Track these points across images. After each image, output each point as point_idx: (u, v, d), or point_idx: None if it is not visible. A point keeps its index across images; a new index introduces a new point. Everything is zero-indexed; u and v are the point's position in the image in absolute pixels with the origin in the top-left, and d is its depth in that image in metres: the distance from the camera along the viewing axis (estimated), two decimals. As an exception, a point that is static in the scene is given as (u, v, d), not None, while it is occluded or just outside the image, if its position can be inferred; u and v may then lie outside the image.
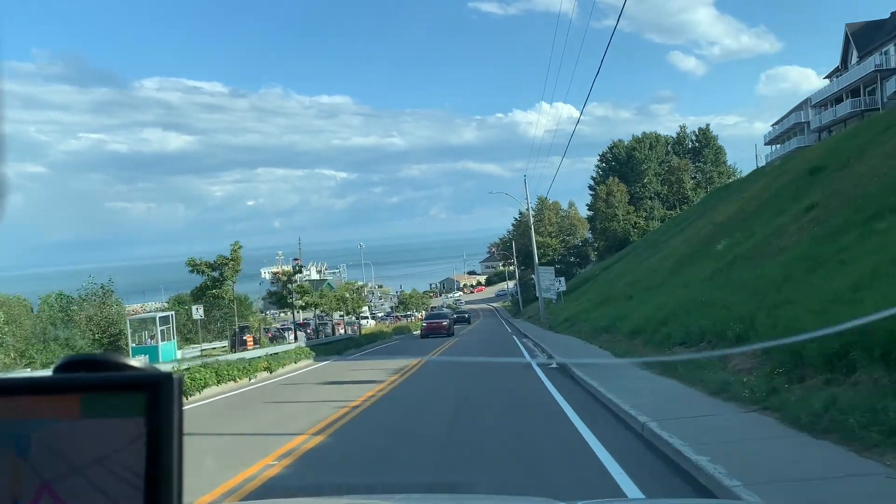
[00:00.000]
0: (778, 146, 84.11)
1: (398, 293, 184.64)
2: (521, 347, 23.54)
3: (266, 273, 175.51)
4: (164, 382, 0.70)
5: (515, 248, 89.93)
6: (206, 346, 35.48)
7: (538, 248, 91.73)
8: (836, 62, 62.81)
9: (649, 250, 46.61)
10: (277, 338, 40.22)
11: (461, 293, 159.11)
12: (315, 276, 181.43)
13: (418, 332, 44.68)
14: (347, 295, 52.52)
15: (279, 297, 40.69)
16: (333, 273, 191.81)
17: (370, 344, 35.44)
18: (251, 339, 35.12)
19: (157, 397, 0.70)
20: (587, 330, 23.72)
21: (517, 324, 54.87)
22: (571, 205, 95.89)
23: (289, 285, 39.97)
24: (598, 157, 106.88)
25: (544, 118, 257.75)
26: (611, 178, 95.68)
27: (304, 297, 41.48)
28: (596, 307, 29.41)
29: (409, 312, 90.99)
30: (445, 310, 60.68)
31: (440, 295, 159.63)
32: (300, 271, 41.95)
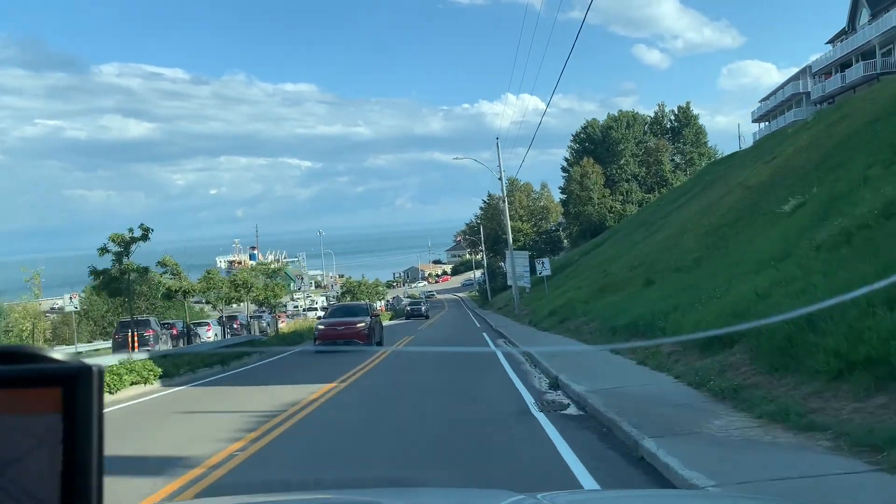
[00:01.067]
0: (765, 123, 78.10)
1: (339, 281, 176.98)
2: (504, 362, 15.32)
3: (222, 262, 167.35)
4: (82, 375, 0.64)
5: (483, 234, 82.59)
6: (84, 346, 27.26)
7: (504, 234, 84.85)
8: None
9: (641, 231, 39.56)
10: (186, 336, 32.09)
11: (426, 283, 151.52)
12: (274, 265, 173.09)
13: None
14: (253, 280, 37.06)
15: (108, 281, 24.55)
16: (292, 262, 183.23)
17: (275, 349, 23.09)
18: (141, 336, 26.99)
19: (75, 392, 0.64)
20: (598, 329, 16.34)
21: (487, 316, 47.39)
22: (544, 186, 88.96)
23: (124, 260, 23.92)
24: (571, 137, 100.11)
25: (510, 109, 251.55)
26: (585, 159, 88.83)
27: (161, 281, 29.17)
28: (594, 296, 22.18)
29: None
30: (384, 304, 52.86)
31: (403, 284, 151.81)
32: (146, 237, 24.01)
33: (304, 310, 65.84)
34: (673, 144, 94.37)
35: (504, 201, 38.99)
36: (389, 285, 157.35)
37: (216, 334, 35.26)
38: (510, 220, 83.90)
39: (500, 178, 38.77)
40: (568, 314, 21.18)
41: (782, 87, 67.17)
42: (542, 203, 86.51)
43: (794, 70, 61.25)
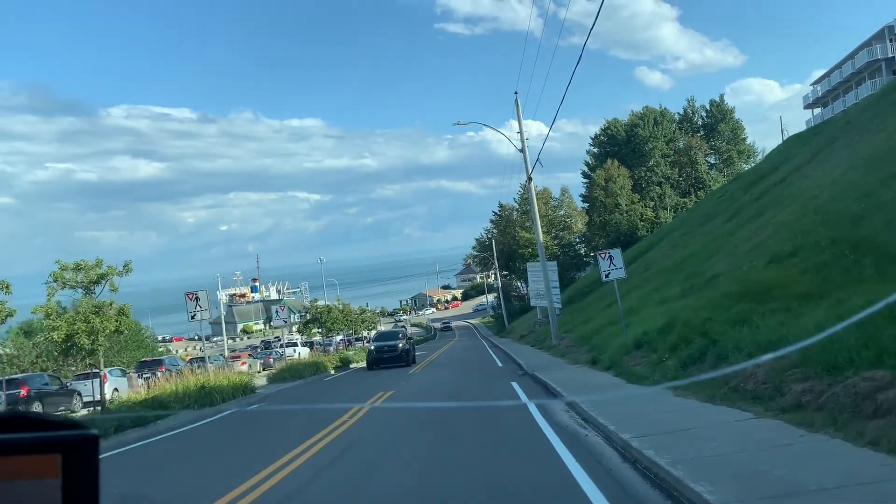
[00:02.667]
0: (819, 109, 66.89)
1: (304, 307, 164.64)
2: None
3: (223, 295, 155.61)
4: (81, 443, 0.67)
5: (496, 250, 71.26)
6: None
7: (523, 247, 73.09)
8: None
9: (725, 220, 28.47)
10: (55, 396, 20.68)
11: (434, 309, 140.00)
12: (274, 295, 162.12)
13: (308, 378, 25.14)
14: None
15: None
16: (294, 293, 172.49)
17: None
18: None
19: (74, 458, 0.66)
20: None
21: (508, 348, 35.85)
22: (565, 192, 77.66)
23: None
24: (591, 140, 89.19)
25: (515, 135, 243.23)
26: (609, 161, 77.74)
27: None
28: (739, 310, 10.89)
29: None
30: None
31: (411, 312, 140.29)
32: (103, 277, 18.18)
33: (277, 345, 54.53)
34: (707, 142, 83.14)
35: (530, 180, 27.70)
36: (395, 313, 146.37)
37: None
38: (525, 232, 72.60)
39: (521, 150, 27.49)
40: (703, 349, 9.86)
41: (851, 57, 55.77)
42: (562, 212, 75.10)
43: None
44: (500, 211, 76.44)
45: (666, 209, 77.22)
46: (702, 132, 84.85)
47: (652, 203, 79.17)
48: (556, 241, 74.01)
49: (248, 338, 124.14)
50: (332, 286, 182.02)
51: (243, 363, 37.74)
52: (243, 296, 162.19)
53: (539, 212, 71.74)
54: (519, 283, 78.77)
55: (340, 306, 51.23)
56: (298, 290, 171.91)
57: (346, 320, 50.34)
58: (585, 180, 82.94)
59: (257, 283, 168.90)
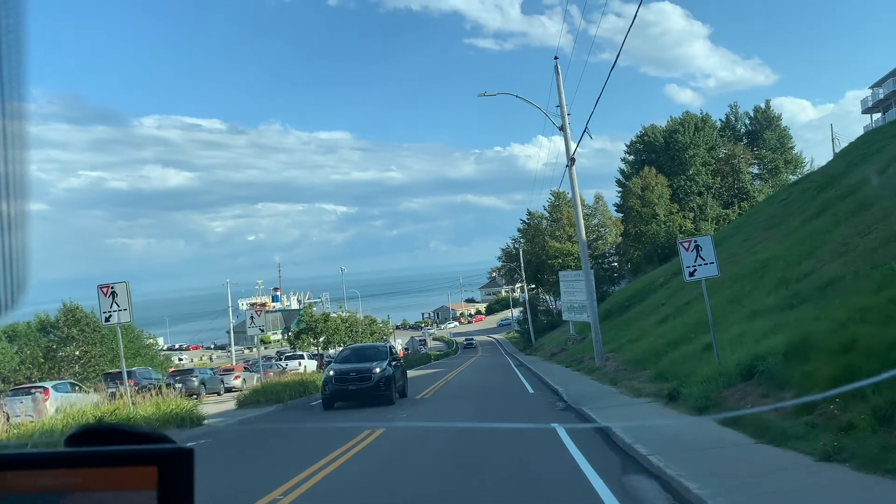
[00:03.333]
0: (879, 115, 61.36)
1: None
2: None
3: (244, 304, 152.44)
4: (177, 456, 0.69)
5: (523, 260, 66.43)
6: None
7: (553, 258, 68.02)
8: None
9: (805, 219, 23.64)
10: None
11: (457, 323, 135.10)
12: (295, 305, 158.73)
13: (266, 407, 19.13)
14: None
15: None
16: (315, 303, 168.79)
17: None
18: None
19: (169, 471, 0.68)
20: None
21: (540, 369, 31.08)
22: (599, 199, 72.57)
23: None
24: (626, 147, 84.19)
25: (542, 151, 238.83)
26: (646, 169, 72.69)
27: None
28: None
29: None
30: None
31: (432, 325, 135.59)
32: None
33: (283, 357, 50.09)
34: (751, 151, 77.68)
35: (570, 165, 22.96)
36: (418, 326, 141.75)
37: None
38: (556, 241, 67.48)
39: (561, 128, 22.74)
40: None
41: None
42: (596, 220, 70.08)
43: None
44: (528, 219, 71.71)
45: (707, 220, 71.86)
46: (745, 140, 79.43)
47: (691, 214, 73.92)
48: (589, 252, 69.18)
49: (266, 348, 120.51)
50: (353, 297, 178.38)
51: (237, 377, 33.39)
52: (264, 305, 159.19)
53: (568, 219, 66.73)
54: (547, 297, 73.81)
55: (345, 315, 46.61)
56: (319, 300, 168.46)
57: (351, 331, 45.74)
58: (620, 189, 77.98)
59: (278, 293, 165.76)
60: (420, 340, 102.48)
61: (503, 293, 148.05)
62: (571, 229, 66.97)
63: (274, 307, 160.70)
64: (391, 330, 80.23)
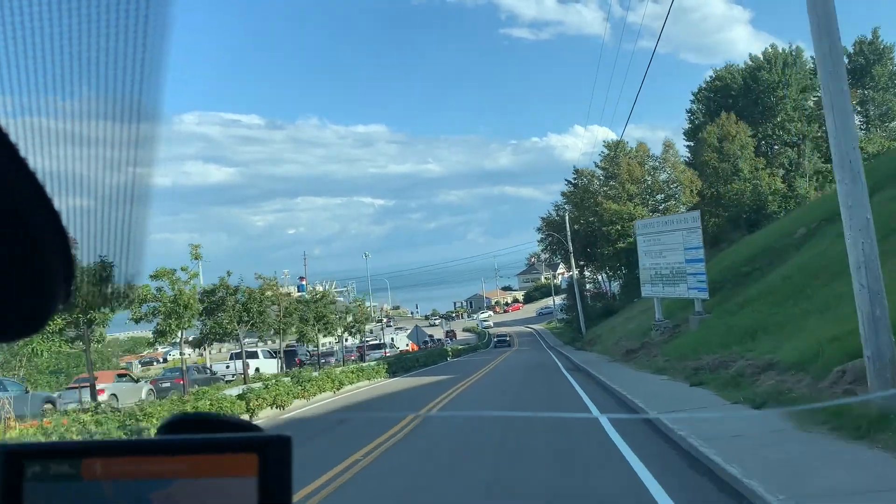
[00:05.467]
0: None
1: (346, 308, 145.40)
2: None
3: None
4: (277, 444, 0.73)
5: (570, 228, 51.82)
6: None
7: (609, 224, 52.77)
8: None
9: None
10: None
11: (491, 312, 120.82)
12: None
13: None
14: None
15: None
16: (341, 292, 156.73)
17: None
18: None
19: (269, 458, 0.72)
20: None
21: (630, 386, 16.19)
22: (669, 146, 57.23)
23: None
24: (692, 97, 68.76)
25: (580, 141, 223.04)
26: (724, 115, 57.39)
27: None
28: None
29: (366, 341, 52.78)
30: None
31: (465, 315, 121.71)
32: None
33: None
34: (855, 91, 61.58)
35: None
36: (449, 316, 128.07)
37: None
38: (613, 202, 52.29)
39: None
40: None
41: None
42: (665, 175, 54.92)
43: None
44: (575, 178, 56.92)
45: (804, 177, 56.26)
46: (849, 79, 63.33)
47: (782, 171, 58.42)
48: (658, 216, 54.00)
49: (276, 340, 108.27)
50: (382, 288, 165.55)
51: (100, 391, 19.98)
52: (289, 294, 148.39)
53: (629, 173, 51.76)
54: (599, 277, 59.04)
55: (307, 295, 32.06)
56: (345, 289, 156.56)
57: (317, 316, 31.63)
58: (688, 144, 62.70)
59: (304, 283, 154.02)
60: (447, 332, 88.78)
61: (543, 279, 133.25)
62: (634, 186, 52.02)
63: (300, 297, 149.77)
64: (377, 317, 66.12)
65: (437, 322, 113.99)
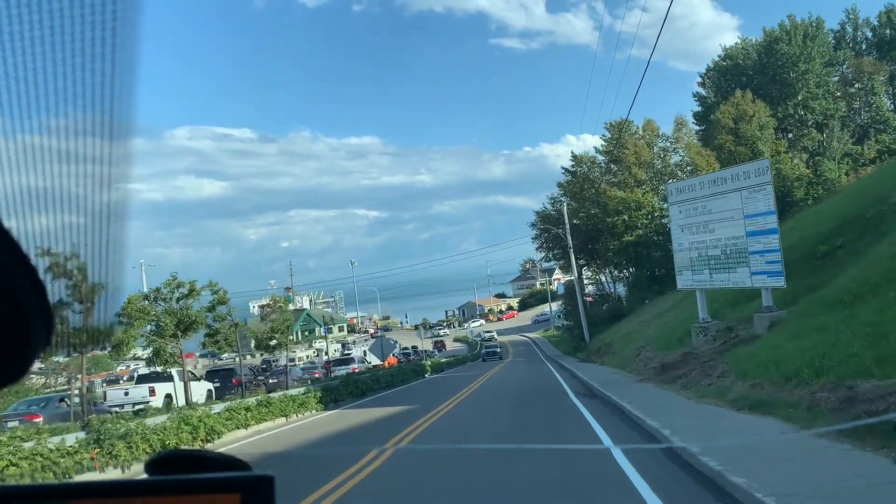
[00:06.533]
0: None
1: (380, 323, 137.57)
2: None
3: (255, 307, 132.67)
4: (259, 483, 0.72)
5: (569, 223, 44.84)
6: None
7: (614, 215, 45.59)
8: None
9: None
10: None
11: (483, 321, 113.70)
12: (306, 305, 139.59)
13: None
14: None
15: None
16: (328, 302, 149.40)
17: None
18: None
19: (252, 497, 0.72)
20: None
21: (745, 477, 8.53)
22: (681, 124, 50.36)
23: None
24: (700, 78, 62.27)
25: (573, 150, 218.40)
26: (739, 93, 50.83)
27: None
28: None
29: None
30: None
31: (456, 325, 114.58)
32: None
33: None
34: (884, 65, 55.18)
35: None
36: (440, 325, 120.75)
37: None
38: (618, 189, 45.09)
39: None
40: None
41: None
42: (677, 157, 48.03)
43: None
44: (573, 165, 49.96)
45: (833, 159, 49.57)
46: (874, 53, 56.88)
47: (805, 154, 51.79)
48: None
49: (262, 354, 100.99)
50: (371, 298, 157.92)
51: None
52: (271, 305, 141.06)
53: (636, 154, 44.62)
54: (603, 277, 52.04)
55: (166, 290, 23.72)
56: (332, 299, 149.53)
57: (181, 321, 23.03)
58: (700, 128, 55.94)
59: (291, 293, 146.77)
60: (435, 343, 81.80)
61: (538, 285, 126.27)
62: (641, 171, 45.12)
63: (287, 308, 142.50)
64: (365, 328, 59.25)
65: (427, 332, 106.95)
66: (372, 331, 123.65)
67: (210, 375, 29.43)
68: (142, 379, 25.17)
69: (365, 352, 46.53)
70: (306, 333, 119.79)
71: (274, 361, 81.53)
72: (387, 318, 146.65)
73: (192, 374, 25.83)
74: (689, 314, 23.42)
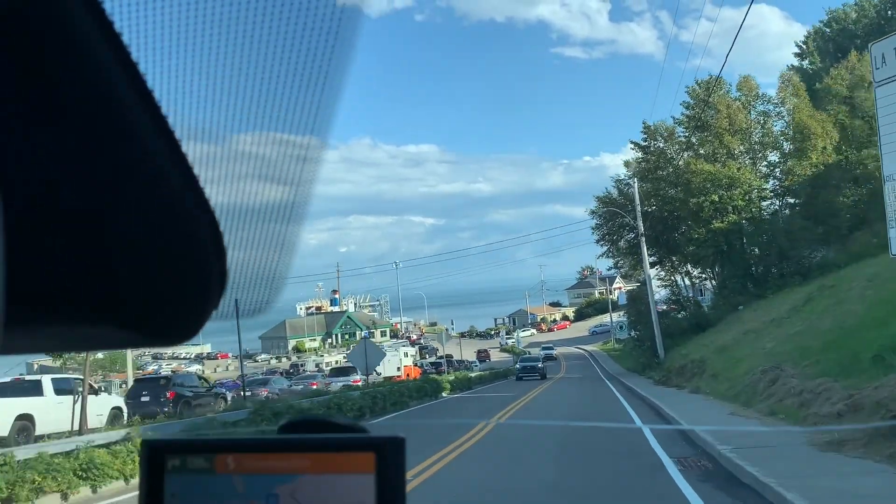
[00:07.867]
0: None
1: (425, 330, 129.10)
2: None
3: (301, 308, 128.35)
4: (392, 443, 0.78)
5: (640, 201, 35.45)
6: None
7: (700, 195, 35.40)
8: None
9: None
10: None
11: (534, 331, 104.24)
12: (352, 308, 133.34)
13: None
14: None
15: None
16: (373, 306, 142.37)
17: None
18: None
19: (386, 456, 0.77)
20: None
21: None
22: (792, 81, 39.98)
23: None
24: (797, 48, 52.10)
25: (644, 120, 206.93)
26: (854, 54, 40.98)
27: None
28: None
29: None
30: None
31: (505, 333, 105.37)
32: None
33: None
34: None
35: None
36: (488, 334, 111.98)
37: None
38: (705, 162, 34.58)
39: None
40: None
41: None
42: (780, 125, 38.02)
43: None
44: (645, 139, 40.53)
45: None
46: None
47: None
48: (773, 180, 36.90)
49: (299, 357, 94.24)
50: (418, 306, 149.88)
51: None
52: (320, 308, 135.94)
53: (730, 116, 32.17)
54: (678, 278, 42.32)
55: None
56: (377, 302, 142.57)
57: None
58: (790, 100, 45.83)
59: (337, 296, 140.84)
60: (478, 353, 73.28)
61: (597, 294, 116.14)
62: (733, 139, 35.45)
63: (332, 310, 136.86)
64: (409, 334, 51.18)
65: (477, 339, 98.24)
66: (414, 337, 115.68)
67: (138, 386, 21.47)
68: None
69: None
70: (346, 337, 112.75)
71: (301, 365, 74.05)
72: (433, 324, 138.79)
73: (93, 386, 17.84)
74: (855, 319, 14.36)
